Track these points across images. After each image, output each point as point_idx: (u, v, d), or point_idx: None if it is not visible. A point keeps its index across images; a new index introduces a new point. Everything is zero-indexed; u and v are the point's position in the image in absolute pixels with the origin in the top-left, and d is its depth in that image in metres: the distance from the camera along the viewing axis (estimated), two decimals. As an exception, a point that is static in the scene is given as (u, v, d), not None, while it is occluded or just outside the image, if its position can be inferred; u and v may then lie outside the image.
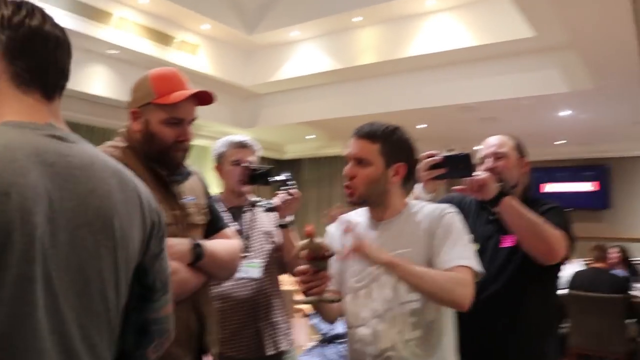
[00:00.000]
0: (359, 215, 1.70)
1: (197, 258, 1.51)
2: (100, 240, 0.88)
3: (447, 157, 1.86)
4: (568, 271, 5.94)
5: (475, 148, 2.17)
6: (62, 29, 1.03)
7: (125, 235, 0.92)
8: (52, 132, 0.92)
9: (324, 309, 1.65)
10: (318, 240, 1.46)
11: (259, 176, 2.15)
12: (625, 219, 8.91)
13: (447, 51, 5.96)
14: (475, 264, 1.52)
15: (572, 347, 4.94)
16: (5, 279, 0.74)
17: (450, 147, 9.64)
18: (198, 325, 1.54)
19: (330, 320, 1.71)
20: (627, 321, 4.87)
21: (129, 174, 0.99)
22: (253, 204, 2.32)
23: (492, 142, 2.11)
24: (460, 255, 1.49)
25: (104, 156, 0.96)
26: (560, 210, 1.97)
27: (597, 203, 9.15)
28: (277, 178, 2.18)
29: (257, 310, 2.14)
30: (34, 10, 0.98)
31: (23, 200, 0.76)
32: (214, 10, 6.47)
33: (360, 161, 1.58)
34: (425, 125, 7.87)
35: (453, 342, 1.60)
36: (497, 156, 2.04)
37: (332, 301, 1.53)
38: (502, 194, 1.83)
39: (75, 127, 7.13)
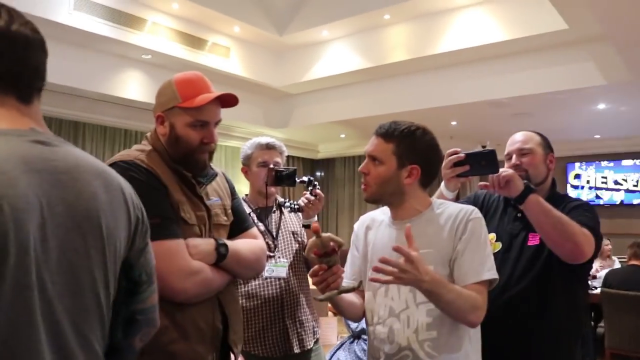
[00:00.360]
0: (383, 214, 1.71)
1: (221, 257, 1.54)
2: (90, 241, 0.90)
3: (470, 155, 1.83)
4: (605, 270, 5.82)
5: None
6: (33, 27, 1.00)
7: (112, 234, 0.94)
8: (36, 137, 0.91)
9: (346, 307, 1.63)
10: (325, 235, 1.47)
11: (284, 177, 2.17)
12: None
13: (477, 46, 5.90)
14: (493, 274, 1.51)
15: (607, 348, 4.81)
16: (2, 289, 0.76)
17: (484, 143, 9.57)
18: (223, 324, 1.57)
19: (355, 319, 1.72)
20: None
21: (113, 173, 1.01)
22: (280, 205, 2.36)
23: (517, 139, 2.07)
24: (482, 268, 1.49)
25: (87, 157, 0.98)
26: (586, 208, 1.92)
27: (637, 198, 8.91)
28: (302, 179, 2.22)
29: (284, 309, 2.16)
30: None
31: (15, 212, 0.77)
32: (245, 13, 6.54)
33: (374, 159, 1.59)
34: (455, 123, 7.80)
35: (475, 345, 1.57)
36: (523, 152, 2.01)
37: (350, 290, 1.52)
38: (527, 191, 1.79)
39: (112, 131, 7.34)
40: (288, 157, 9.94)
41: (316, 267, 1.47)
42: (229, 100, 1.61)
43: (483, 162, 1.81)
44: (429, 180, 1.63)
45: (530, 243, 1.91)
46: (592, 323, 5.12)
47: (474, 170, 1.83)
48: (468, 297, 1.44)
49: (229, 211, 1.70)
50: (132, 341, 1.07)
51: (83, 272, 0.88)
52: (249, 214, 2.18)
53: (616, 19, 4.25)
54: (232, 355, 1.66)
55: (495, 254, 1.88)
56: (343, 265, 1.61)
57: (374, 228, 1.67)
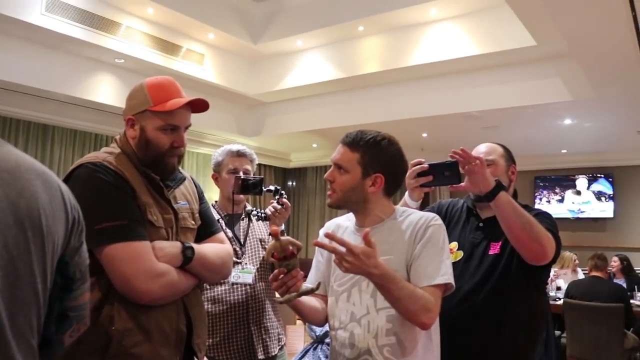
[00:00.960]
0: (348, 220, 1.73)
1: (187, 260, 1.54)
2: (30, 237, 0.93)
3: (433, 165, 1.86)
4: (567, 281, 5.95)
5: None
6: None
7: (51, 232, 0.97)
8: None
9: (308, 312, 1.64)
10: (284, 238, 1.48)
11: (251, 186, 2.19)
12: (629, 228, 8.88)
13: (449, 60, 6.00)
14: (450, 279, 1.52)
15: (569, 356, 4.91)
16: None
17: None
18: (188, 328, 1.57)
19: (318, 324, 1.72)
20: (626, 331, 4.85)
21: (52, 174, 1.04)
22: (248, 213, 2.37)
23: (481, 150, 2.10)
24: (437, 273, 1.50)
25: (27, 157, 1.00)
26: (547, 216, 1.97)
27: (602, 212, 9.13)
28: (269, 188, 2.25)
29: (249, 315, 2.17)
30: None
31: None
32: (220, 20, 6.54)
33: (339, 167, 1.61)
34: (426, 135, 7.89)
35: (434, 351, 1.60)
36: (486, 163, 1.97)
37: (310, 291, 1.52)
38: (498, 188, 1.81)
39: (82, 135, 7.22)
40: (260, 165, 9.92)
41: (276, 271, 1.49)
42: (199, 106, 1.62)
43: (446, 172, 1.83)
44: (393, 190, 1.65)
45: (491, 252, 1.95)
46: (557, 332, 5.22)
47: (437, 181, 1.86)
48: (420, 298, 1.45)
49: (197, 215, 1.71)
50: (63, 337, 1.09)
51: (23, 266, 0.91)
52: (218, 220, 2.19)
53: (580, 36, 4.38)
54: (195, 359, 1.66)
55: (456, 263, 1.94)
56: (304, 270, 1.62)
57: (338, 234, 1.68)
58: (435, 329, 1.61)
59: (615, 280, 6.12)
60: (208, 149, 8.68)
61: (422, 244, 1.54)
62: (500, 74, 6.08)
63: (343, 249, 1.37)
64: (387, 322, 1.52)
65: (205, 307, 2.12)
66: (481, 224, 2.03)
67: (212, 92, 7.02)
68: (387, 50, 6.49)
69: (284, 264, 1.49)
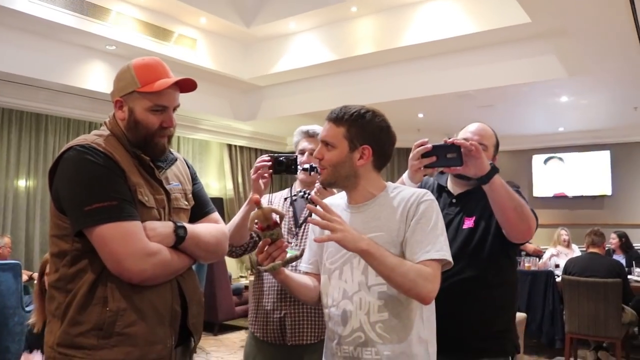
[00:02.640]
0: (341, 198, 1.74)
1: (179, 240, 1.56)
2: None
3: (436, 147, 1.86)
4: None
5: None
6: None
7: None
8: None
9: (297, 288, 1.65)
10: (266, 207, 1.48)
11: (284, 165, 2.14)
12: (625, 205, 8.92)
13: (443, 39, 5.96)
14: (446, 255, 1.54)
15: (568, 332, 4.97)
16: None
17: (451, 135, 9.65)
18: (183, 308, 1.60)
19: (309, 301, 1.72)
20: (624, 306, 4.90)
21: None
22: (297, 194, 2.35)
23: (476, 130, 2.12)
24: (432, 248, 1.51)
25: None
26: (521, 193, 2.02)
27: (598, 190, 9.15)
28: (304, 167, 2.20)
29: (286, 298, 2.13)
30: None
31: None
32: (211, 4, 6.48)
33: (326, 144, 1.62)
34: (422, 115, 7.88)
35: (428, 326, 1.61)
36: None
37: (294, 259, 1.54)
38: (493, 171, 1.83)
39: (75, 123, 7.20)
40: (255, 149, 9.92)
41: (261, 243, 1.50)
42: (187, 86, 1.63)
43: (449, 154, 1.84)
44: (382, 162, 1.65)
45: (465, 226, 2.01)
46: (561, 307, 5.28)
47: (440, 162, 1.87)
48: (413, 266, 1.46)
49: (189, 196, 1.73)
50: None
51: None
52: (287, 198, 2.26)
53: (576, 12, 4.35)
54: (192, 340, 1.69)
55: None
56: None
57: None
58: (430, 305, 1.61)
59: (614, 257, 6.17)
60: (203, 134, 8.65)
61: (416, 220, 1.54)
62: (495, 52, 6.05)
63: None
64: (379, 299, 1.54)
65: (255, 282, 2.21)
66: (454, 200, 2.09)
67: (205, 77, 6.98)
68: (381, 30, 6.44)
69: (267, 234, 1.48)
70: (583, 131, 8.90)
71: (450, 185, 2.17)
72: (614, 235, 6.58)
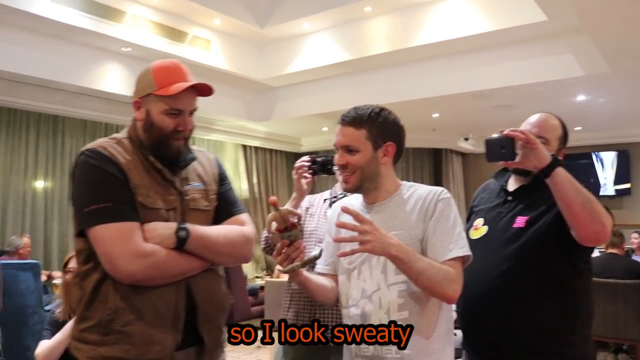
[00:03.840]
0: (356, 199, 1.73)
1: (181, 242, 1.54)
2: None
3: (490, 140, 1.77)
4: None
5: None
6: None
7: None
8: None
9: (315, 289, 1.64)
10: (283, 209, 1.47)
11: (319, 165, 2.08)
12: (645, 204, 8.81)
13: (458, 38, 5.95)
14: (467, 251, 1.54)
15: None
16: None
17: (467, 135, 9.59)
18: (188, 311, 1.58)
19: (326, 302, 1.72)
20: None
21: None
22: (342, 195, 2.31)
23: (537, 122, 1.94)
24: (454, 246, 1.52)
25: None
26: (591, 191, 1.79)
27: (615, 189, 9.06)
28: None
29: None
30: None
31: None
32: (225, 5, 6.52)
33: (348, 149, 1.60)
34: (437, 115, 7.85)
35: (446, 324, 1.61)
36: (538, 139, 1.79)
37: (312, 259, 1.53)
38: (555, 163, 1.66)
39: (92, 125, 7.27)
40: (270, 150, 9.95)
41: (279, 244, 1.49)
42: (203, 90, 1.63)
43: (503, 147, 1.73)
44: (398, 157, 1.67)
45: (515, 225, 1.86)
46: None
47: (494, 156, 1.77)
48: (440, 268, 1.47)
49: (212, 196, 1.72)
50: None
51: None
52: (327, 199, 2.20)
53: (592, 11, 4.31)
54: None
55: (481, 238, 1.90)
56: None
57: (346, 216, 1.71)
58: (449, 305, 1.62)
59: (634, 257, 6.09)
60: (218, 135, 8.69)
61: (435, 219, 1.55)
62: (510, 51, 6.01)
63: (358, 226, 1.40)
64: (399, 297, 1.54)
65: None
66: (509, 197, 1.94)
67: (220, 77, 7.02)
68: (396, 30, 6.43)
69: (285, 235, 1.48)
70: (601, 130, 8.81)
71: (510, 182, 2.00)
72: (635, 235, 6.49)
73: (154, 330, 1.51)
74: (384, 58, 6.64)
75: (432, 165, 10.16)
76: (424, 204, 1.57)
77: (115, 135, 1.67)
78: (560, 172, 1.65)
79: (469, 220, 2.09)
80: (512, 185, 1.99)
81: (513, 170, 1.96)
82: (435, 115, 7.92)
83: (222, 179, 1.78)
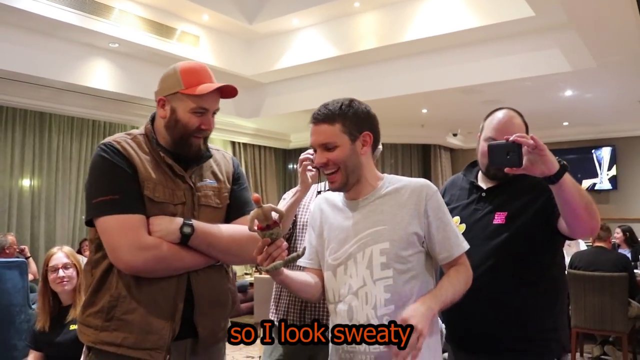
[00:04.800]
0: (338, 194, 1.72)
1: (185, 237, 1.58)
2: None
3: (495, 145, 1.73)
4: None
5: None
6: None
7: None
8: None
9: (299, 287, 1.63)
10: (266, 206, 1.44)
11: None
12: (630, 199, 8.90)
13: (447, 34, 5.95)
14: (465, 243, 1.62)
15: (573, 327, 4.95)
16: None
17: (455, 131, 9.60)
18: (187, 304, 1.62)
19: (311, 299, 1.71)
20: (630, 300, 4.88)
21: None
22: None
23: (503, 126, 1.94)
24: (455, 242, 1.59)
25: None
26: None
27: (603, 184, 9.14)
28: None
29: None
30: None
31: None
32: (214, 1, 6.48)
33: (326, 147, 1.59)
34: (425, 111, 7.86)
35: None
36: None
37: (295, 258, 1.50)
38: (563, 169, 1.65)
39: (79, 122, 7.21)
40: (259, 147, 9.92)
41: (260, 244, 1.45)
42: (228, 92, 1.72)
43: (508, 154, 1.67)
44: (376, 147, 1.67)
45: (495, 221, 1.91)
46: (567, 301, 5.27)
47: (499, 161, 1.71)
48: (459, 280, 1.57)
49: (225, 194, 1.76)
50: None
51: None
52: (320, 191, 2.24)
53: (579, 6, 4.33)
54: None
55: None
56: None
57: (327, 208, 1.70)
58: None
59: (620, 251, 6.15)
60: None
61: (435, 215, 1.57)
62: (499, 47, 6.03)
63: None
64: (385, 292, 1.54)
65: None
66: (483, 194, 1.99)
67: (208, 74, 6.97)
68: (384, 26, 6.43)
69: (267, 234, 1.44)
70: (587, 125, 8.87)
71: (480, 180, 2.05)
72: (618, 230, 6.55)
73: (152, 319, 1.57)
74: (372, 54, 6.64)
75: (421, 161, 10.20)
76: (418, 199, 1.58)
77: (132, 131, 1.74)
78: (567, 178, 1.65)
79: None
80: (482, 181, 2.04)
81: (485, 172, 2.00)
82: (424, 110, 7.93)
83: (236, 178, 1.83)
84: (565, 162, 1.68)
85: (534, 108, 7.64)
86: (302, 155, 2.13)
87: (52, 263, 2.70)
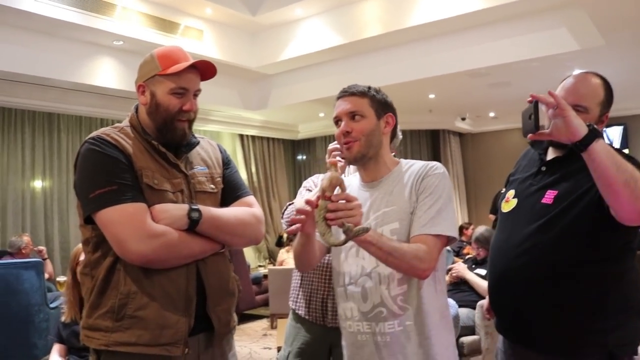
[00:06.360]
0: (354, 178, 1.77)
1: (193, 223, 1.56)
2: None
3: (523, 113, 1.59)
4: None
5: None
6: None
7: None
8: None
9: (313, 253, 1.65)
10: (339, 177, 1.42)
11: None
12: (644, 175, 8.81)
13: (452, 17, 5.90)
14: (446, 230, 1.53)
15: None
16: None
17: (463, 115, 9.55)
18: (199, 294, 1.60)
19: (306, 268, 1.75)
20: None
21: None
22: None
23: (571, 88, 1.75)
24: (431, 222, 1.53)
25: None
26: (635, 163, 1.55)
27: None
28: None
29: (330, 281, 2.13)
30: None
31: None
32: (216, -6, 6.46)
33: (353, 116, 1.63)
34: (433, 96, 7.83)
35: (442, 295, 1.64)
36: (575, 109, 1.58)
37: (362, 232, 1.40)
38: (593, 135, 1.44)
39: (87, 120, 7.24)
40: (268, 139, 9.94)
41: (330, 204, 1.39)
42: (207, 71, 1.69)
43: (531, 116, 1.53)
44: (394, 134, 1.75)
45: (543, 200, 1.71)
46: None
47: (524, 129, 1.58)
48: (410, 247, 1.49)
49: (218, 179, 1.76)
50: None
51: None
52: None
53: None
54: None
55: (509, 212, 1.84)
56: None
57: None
58: (442, 272, 1.65)
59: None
60: (214, 125, 8.68)
61: (420, 193, 1.57)
62: (504, 28, 5.98)
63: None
64: (398, 272, 1.55)
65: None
66: (543, 168, 1.78)
67: (214, 68, 6.98)
68: (388, 11, 6.40)
69: (325, 204, 1.40)
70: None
71: (550, 150, 1.82)
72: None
73: (167, 313, 1.53)
74: (377, 40, 6.61)
75: (430, 146, 10.17)
76: (414, 179, 1.60)
77: (117, 124, 1.71)
78: (599, 147, 1.43)
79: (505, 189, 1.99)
80: (550, 153, 1.82)
81: (548, 141, 1.77)
82: (432, 96, 7.90)
83: (226, 162, 1.83)
84: (595, 127, 1.47)
85: (542, 89, 7.54)
86: (331, 146, 2.15)
87: (81, 257, 2.77)
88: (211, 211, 1.61)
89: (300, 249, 1.63)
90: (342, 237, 1.42)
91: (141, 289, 1.52)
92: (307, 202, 1.46)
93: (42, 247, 5.99)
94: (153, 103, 1.63)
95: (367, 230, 1.41)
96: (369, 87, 1.67)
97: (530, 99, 1.53)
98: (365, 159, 1.65)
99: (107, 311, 1.52)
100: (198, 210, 1.58)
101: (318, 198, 1.41)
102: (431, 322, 1.57)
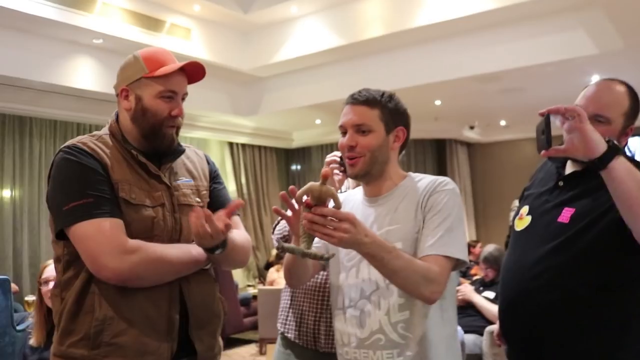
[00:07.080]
0: (357, 193, 1.75)
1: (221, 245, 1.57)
2: None
3: (537, 127, 1.59)
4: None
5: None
6: None
7: None
8: None
9: (304, 271, 1.66)
10: (328, 188, 1.38)
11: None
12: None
13: (461, 18, 5.93)
14: (457, 252, 1.50)
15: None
16: None
17: (472, 124, 9.56)
18: (182, 316, 1.60)
19: (295, 284, 1.76)
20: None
21: None
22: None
23: (593, 95, 1.71)
24: (439, 243, 1.49)
25: None
26: None
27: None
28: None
29: (323, 300, 2.15)
30: None
31: None
32: (205, -11, 6.48)
33: (360, 129, 1.60)
34: (439, 102, 7.84)
35: (449, 322, 1.61)
36: (596, 119, 1.61)
37: (320, 258, 1.40)
38: (612, 152, 1.42)
39: (62, 125, 7.21)
40: (259, 147, 9.93)
41: (302, 215, 1.38)
42: (195, 74, 1.69)
43: (544, 131, 1.52)
44: (404, 147, 1.69)
45: (559, 219, 1.70)
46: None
47: (537, 145, 1.58)
48: (419, 268, 1.44)
49: (204, 192, 1.75)
50: None
51: None
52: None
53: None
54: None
55: (522, 231, 1.83)
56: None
57: (347, 207, 1.69)
58: (451, 299, 1.62)
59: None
60: (201, 132, 8.66)
61: (428, 211, 1.55)
62: (517, 30, 6.01)
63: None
64: (399, 296, 1.53)
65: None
66: (560, 183, 1.77)
67: (201, 69, 6.98)
68: (391, 10, 6.42)
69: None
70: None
71: (568, 163, 1.80)
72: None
73: (147, 339, 1.52)
74: (379, 42, 6.63)
75: (436, 157, 10.17)
76: (420, 196, 1.58)
77: (95, 132, 1.69)
78: (619, 165, 1.42)
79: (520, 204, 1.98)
80: (569, 167, 1.80)
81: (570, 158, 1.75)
82: (438, 102, 7.91)
83: (214, 176, 1.83)
84: (616, 142, 1.45)
85: (557, 96, 7.59)
86: (329, 157, 2.13)
87: (44, 275, 2.72)
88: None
89: (292, 261, 1.62)
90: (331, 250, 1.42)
91: (118, 313, 1.50)
92: (289, 206, 1.48)
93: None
94: (139, 108, 1.62)
95: (326, 259, 1.40)
96: (383, 94, 1.62)
97: (541, 111, 1.51)
98: (368, 176, 1.64)
99: (82, 338, 1.49)
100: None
101: (307, 203, 1.38)
102: (435, 354, 1.54)
